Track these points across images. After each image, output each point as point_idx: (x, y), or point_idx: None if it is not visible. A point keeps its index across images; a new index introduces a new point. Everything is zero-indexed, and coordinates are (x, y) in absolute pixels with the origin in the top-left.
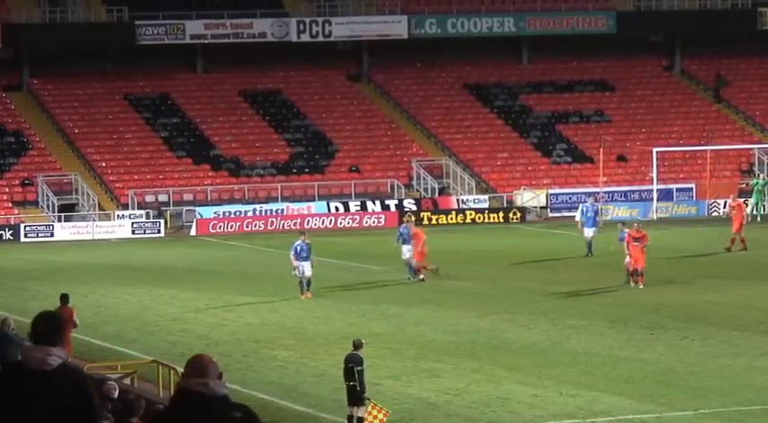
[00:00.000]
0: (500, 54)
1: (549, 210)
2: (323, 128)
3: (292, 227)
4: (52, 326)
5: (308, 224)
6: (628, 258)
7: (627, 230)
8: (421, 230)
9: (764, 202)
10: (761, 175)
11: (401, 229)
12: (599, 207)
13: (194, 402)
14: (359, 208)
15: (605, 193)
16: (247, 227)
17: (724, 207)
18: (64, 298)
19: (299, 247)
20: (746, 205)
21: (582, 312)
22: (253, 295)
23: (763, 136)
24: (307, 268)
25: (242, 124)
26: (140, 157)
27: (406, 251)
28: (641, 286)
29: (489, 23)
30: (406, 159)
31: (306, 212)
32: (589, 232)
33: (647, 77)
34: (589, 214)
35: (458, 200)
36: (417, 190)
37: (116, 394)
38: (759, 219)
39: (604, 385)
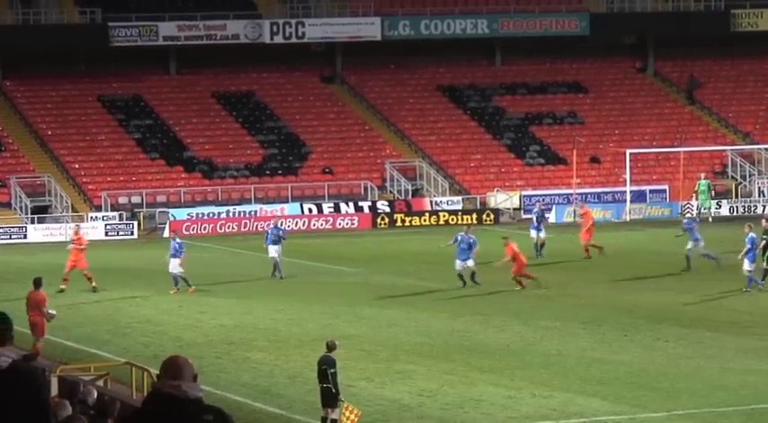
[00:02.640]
0: (473, 56)
1: (522, 211)
2: (296, 129)
3: (265, 228)
4: (2, 326)
5: (280, 226)
6: (745, 264)
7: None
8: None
9: (710, 203)
10: (702, 176)
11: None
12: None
13: (167, 404)
14: (332, 209)
15: (578, 194)
16: (221, 228)
17: (697, 210)
18: (37, 282)
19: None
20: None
21: (555, 314)
22: (226, 297)
23: (736, 137)
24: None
25: (215, 126)
26: (113, 158)
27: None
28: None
29: (462, 25)
30: (379, 161)
31: (279, 214)
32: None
33: (621, 79)
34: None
35: (431, 201)
36: (391, 191)
37: (93, 398)
38: (711, 220)
39: (578, 386)
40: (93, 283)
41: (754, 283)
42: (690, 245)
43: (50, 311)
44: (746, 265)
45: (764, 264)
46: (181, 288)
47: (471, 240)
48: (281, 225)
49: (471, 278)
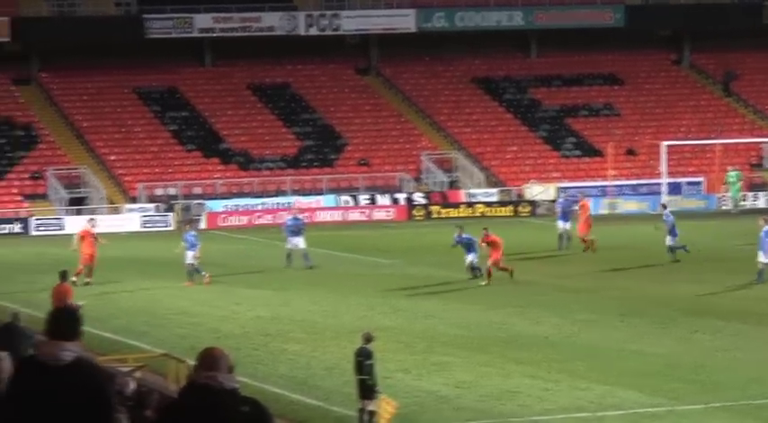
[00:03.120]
0: (508, 48)
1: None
2: (332, 121)
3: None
4: (69, 321)
5: (317, 217)
6: (760, 256)
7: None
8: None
9: (740, 194)
10: (731, 167)
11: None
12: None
13: (202, 395)
14: (368, 201)
15: (615, 186)
16: (256, 220)
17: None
18: (62, 275)
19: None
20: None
21: (592, 306)
22: (262, 288)
23: None
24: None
25: (251, 118)
26: (149, 150)
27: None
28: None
29: (498, 17)
30: (415, 153)
31: (315, 206)
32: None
33: (656, 71)
34: (565, 208)
35: (467, 193)
36: (426, 183)
37: (131, 389)
38: (740, 210)
39: (615, 379)
40: (87, 279)
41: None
42: (669, 240)
43: (77, 304)
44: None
45: None
46: (195, 281)
47: (467, 239)
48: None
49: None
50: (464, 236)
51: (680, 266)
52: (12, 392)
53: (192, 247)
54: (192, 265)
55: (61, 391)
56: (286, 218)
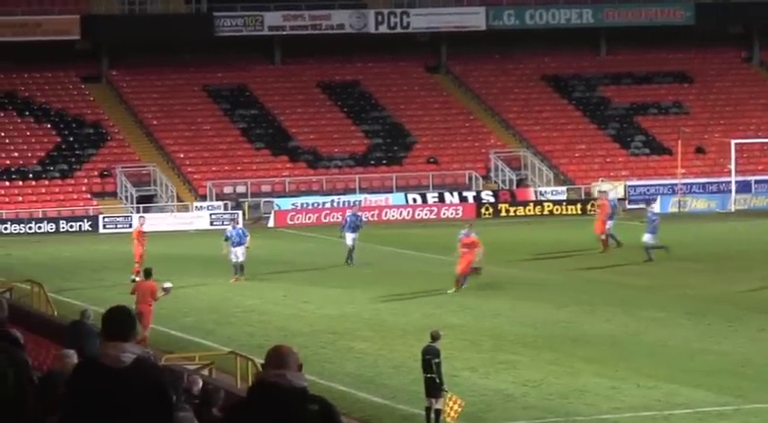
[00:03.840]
0: (578, 45)
1: (627, 201)
2: (401, 119)
3: (370, 219)
4: (124, 321)
5: (385, 215)
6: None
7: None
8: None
9: None
10: None
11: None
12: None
13: (271, 394)
14: (436, 199)
15: (683, 184)
16: (325, 218)
17: None
18: (147, 272)
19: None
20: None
21: (659, 304)
22: (331, 287)
23: None
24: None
25: (320, 116)
26: (218, 148)
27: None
28: (453, 290)
29: (567, 15)
30: (483, 151)
31: (383, 204)
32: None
33: (726, 69)
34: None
35: (536, 191)
36: (495, 181)
37: (199, 387)
38: None
39: (682, 377)
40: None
41: None
42: (647, 237)
43: (165, 285)
44: None
45: None
46: (239, 276)
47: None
48: (360, 213)
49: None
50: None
51: (746, 265)
52: (73, 395)
53: (239, 243)
54: (239, 260)
55: (123, 393)
56: (347, 214)
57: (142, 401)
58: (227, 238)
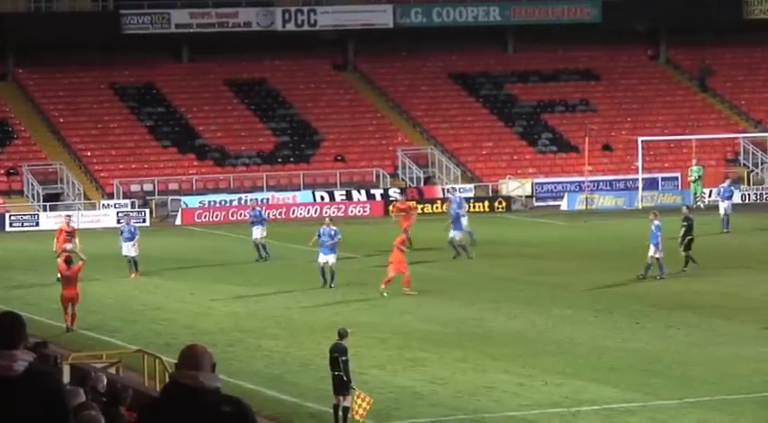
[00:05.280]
0: (485, 43)
1: (534, 199)
2: (308, 117)
3: (277, 217)
4: (14, 327)
5: (293, 213)
6: (651, 251)
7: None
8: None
9: (701, 189)
10: (694, 162)
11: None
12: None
13: (184, 395)
14: (344, 197)
15: (591, 182)
16: (233, 216)
17: (709, 196)
18: (68, 261)
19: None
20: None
21: (567, 302)
22: (238, 285)
23: (748, 125)
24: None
25: (227, 113)
26: (126, 146)
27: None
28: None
29: (474, 12)
30: (391, 148)
31: (291, 202)
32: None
33: (633, 67)
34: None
35: (443, 189)
36: (403, 179)
37: (104, 385)
38: (703, 206)
39: (589, 374)
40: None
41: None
42: (453, 233)
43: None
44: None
45: (682, 251)
46: (134, 272)
47: (333, 232)
48: (263, 208)
49: (330, 277)
50: (331, 229)
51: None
52: None
53: (130, 239)
54: (131, 255)
55: (17, 403)
56: (252, 210)
57: (38, 410)
58: (121, 233)
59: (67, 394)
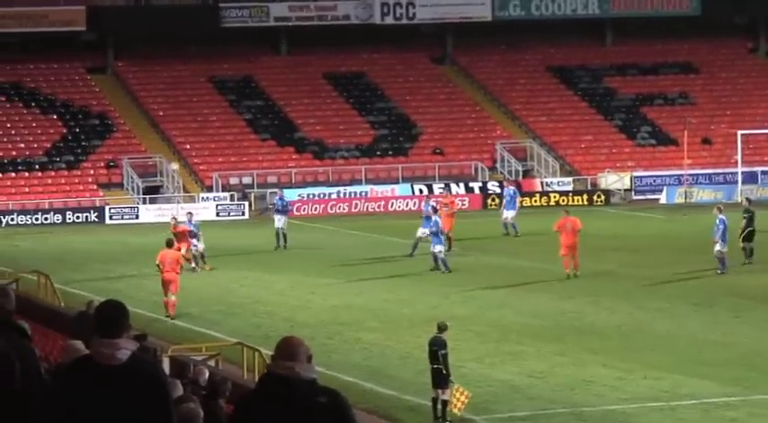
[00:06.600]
0: (584, 36)
1: (633, 192)
2: (406, 110)
3: (376, 209)
4: (117, 317)
5: (391, 206)
6: (717, 246)
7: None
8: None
9: None
10: None
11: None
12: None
13: (280, 386)
14: (443, 190)
15: (689, 175)
16: (331, 209)
17: None
18: (169, 243)
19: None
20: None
21: (666, 295)
22: (337, 278)
23: None
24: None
25: (326, 106)
26: (224, 139)
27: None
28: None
29: (573, 5)
30: (489, 142)
31: (389, 195)
32: (507, 214)
33: (732, 60)
34: (507, 197)
35: (542, 182)
36: (501, 172)
37: (205, 378)
38: None
39: (689, 368)
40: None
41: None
42: (419, 232)
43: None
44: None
45: (741, 242)
46: (201, 265)
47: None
48: (286, 197)
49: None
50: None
51: (755, 256)
52: (66, 393)
53: (194, 235)
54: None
55: (119, 391)
56: (275, 198)
57: (139, 399)
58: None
59: (169, 385)
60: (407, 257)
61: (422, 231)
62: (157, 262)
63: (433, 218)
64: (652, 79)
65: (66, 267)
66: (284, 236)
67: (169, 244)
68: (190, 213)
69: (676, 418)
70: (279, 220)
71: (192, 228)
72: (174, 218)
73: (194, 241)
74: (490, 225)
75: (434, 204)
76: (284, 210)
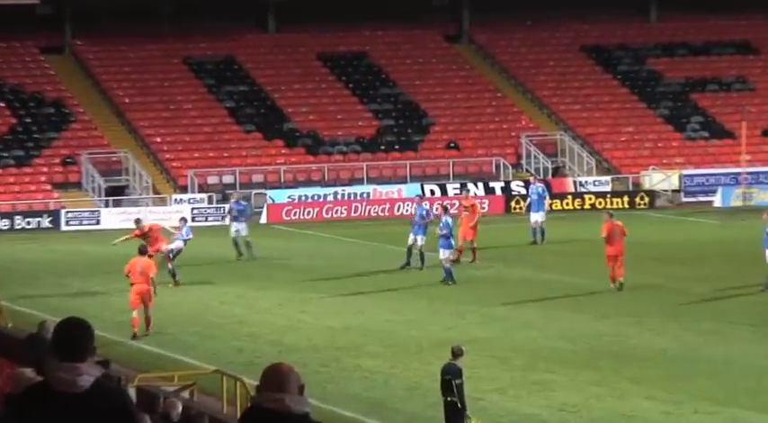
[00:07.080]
0: (624, 11)
1: (682, 193)
2: (416, 97)
3: (379, 213)
4: (80, 337)
5: (397, 210)
6: None
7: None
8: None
9: None
10: None
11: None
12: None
13: (267, 421)
14: (458, 191)
15: (748, 173)
16: (327, 213)
17: None
18: (141, 250)
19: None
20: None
21: (721, 314)
22: (333, 294)
23: None
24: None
25: (321, 93)
26: (201, 131)
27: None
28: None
29: None
30: (513, 134)
31: (395, 196)
32: (536, 217)
33: None
34: (534, 197)
35: (574, 182)
36: (527, 170)
37: (178, 412)
38: None
39: (747, 400)
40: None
41: None
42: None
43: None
44: None
45: None
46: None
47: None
48: (245, 200)
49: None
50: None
51: None
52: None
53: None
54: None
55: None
56: (231, 202)
57: None
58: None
59: (139, 417)
60: (417, 270)
61: (413, 238)
62: (126, 272)
63: (443, 218)
64: (704, 61)
65: (14, 281)
66: (247, 244)
67: (142, 251)
68: (183, 219)
69: None
70: (237, 229)
71: (185, 237)
72: (138, 220)
73: (172, 246)
74: (514, 231)
75: (445, 204)
76: (243, 216)
